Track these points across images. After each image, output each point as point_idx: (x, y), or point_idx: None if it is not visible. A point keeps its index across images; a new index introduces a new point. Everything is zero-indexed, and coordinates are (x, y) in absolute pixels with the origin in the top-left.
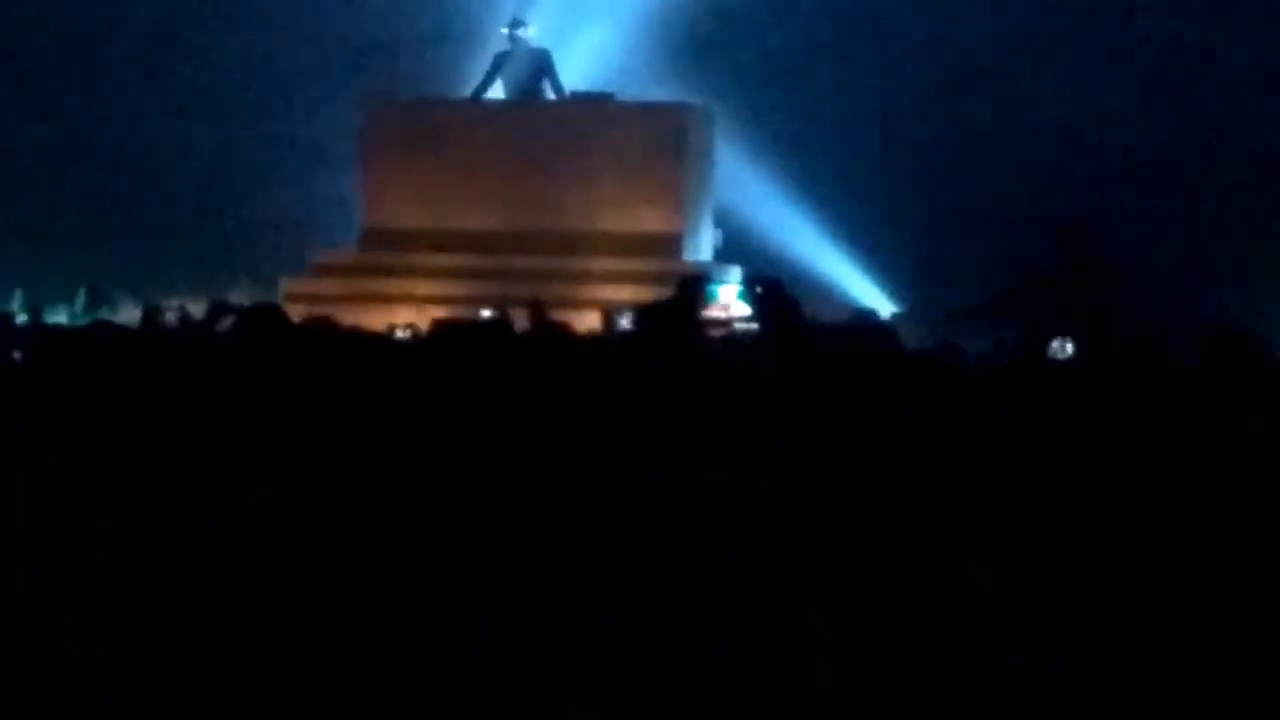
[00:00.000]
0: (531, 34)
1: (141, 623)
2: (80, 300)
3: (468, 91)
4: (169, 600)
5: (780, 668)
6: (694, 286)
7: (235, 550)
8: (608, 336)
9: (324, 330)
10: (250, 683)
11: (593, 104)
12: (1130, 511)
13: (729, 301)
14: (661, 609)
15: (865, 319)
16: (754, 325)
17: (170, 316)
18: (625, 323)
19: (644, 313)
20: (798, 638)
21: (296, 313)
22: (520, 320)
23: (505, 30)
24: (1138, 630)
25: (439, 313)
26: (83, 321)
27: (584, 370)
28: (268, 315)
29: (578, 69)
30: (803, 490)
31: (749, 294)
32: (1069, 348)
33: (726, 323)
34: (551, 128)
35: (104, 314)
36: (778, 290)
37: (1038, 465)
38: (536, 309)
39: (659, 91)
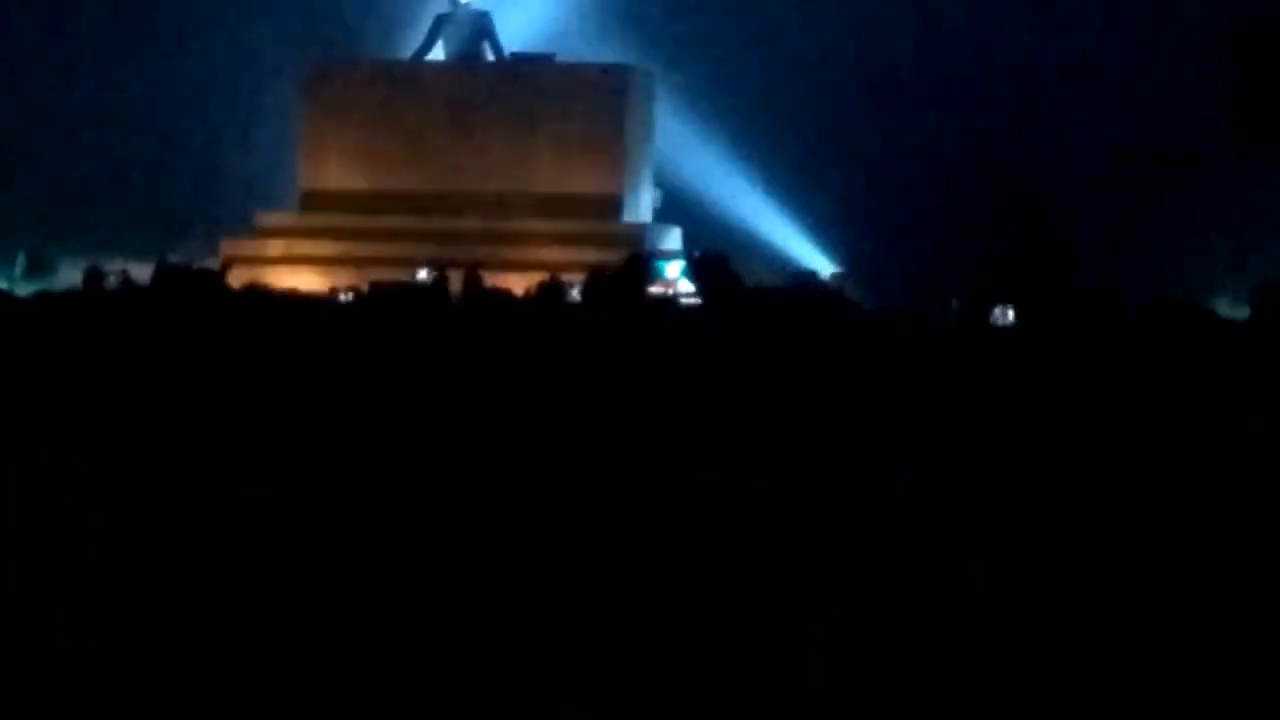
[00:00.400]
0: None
1: (111, 616)
2: (19, 264)
3: (409, 53)
4: (129, 584)
5: (758, 653)
6: (644, 262)
7: (182, 532)
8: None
9: (262, 298)
10: (239, 678)
11: (532, 65)
12: (1093, 479)
13: (674, 277)
14: (644, 599)
15: (807, 281)
16: (697, 300)
17: (112, 280)
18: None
19: (593, 285)
20: (767, 620)
21: (238, 277)
22: (457, 284)
23: None
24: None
25: (379, 275)
26: (22, 287)
27: (523, 343)
28: (204, 283)
29: (518, 30)
30: (767, 467)
31: (692, 270)
32: (1010, 314)
33: (673, 299)
34: (490, 89)
35: (44, 279)
36: (721, 266)
37: (1001, 428)
38: (471, 274)
39: (599, 53)
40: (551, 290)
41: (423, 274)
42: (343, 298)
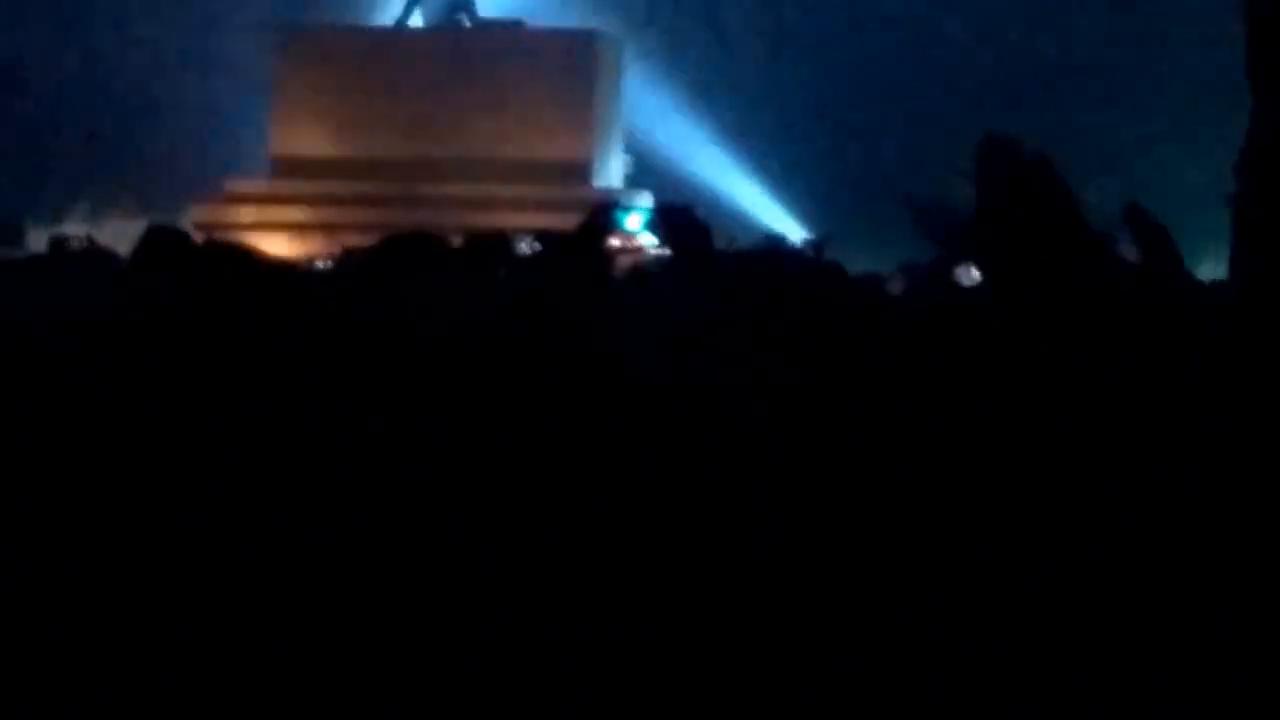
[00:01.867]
0: None
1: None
2: None
3: (381, 21)
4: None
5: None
6: (604, 213)
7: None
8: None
9: (236, 257)
10: (231, 679)
11: (502, 31)
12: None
13: (635, 229)
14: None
15: (777, 245)
16: (664, 251)
17: (74, 244)
18: (525, 247)
19: (547, 237)
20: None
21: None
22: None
23: None
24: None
25: (351, 242)
26: None
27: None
28: (171, 238)
29: None
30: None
31: (657, 221)
32: (974, 273)
33: (636, 250)
34: (461, 55)
35: (10, 248)
36: (688, 217)
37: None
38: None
39: (568, 18)
40: (485, 245)
41: (524, 246)
42: (319, 265)
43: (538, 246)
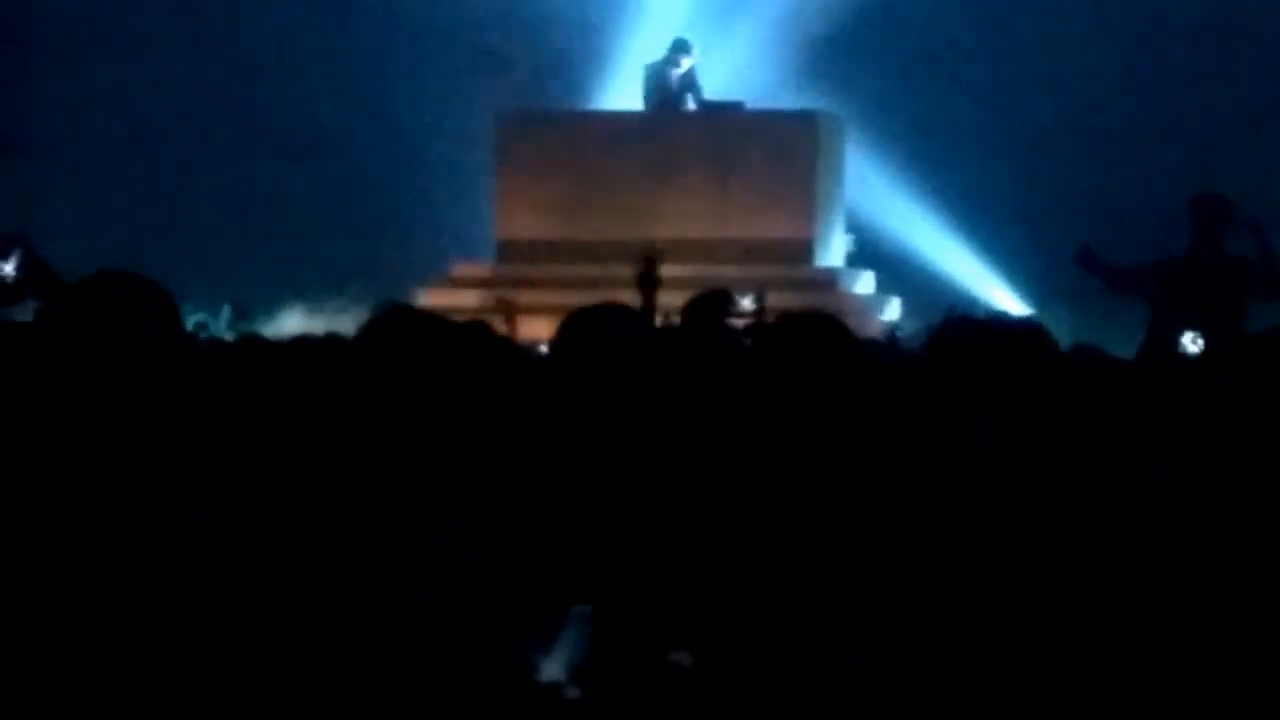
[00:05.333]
0: (692, 61)
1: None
2: (225, 315)
3: (604, 105)
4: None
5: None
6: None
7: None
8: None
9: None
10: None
11: (723, 113)
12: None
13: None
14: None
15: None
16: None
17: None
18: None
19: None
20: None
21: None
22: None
23: (674, 55)
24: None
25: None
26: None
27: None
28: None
29: (707, 77)
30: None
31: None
32: (1200, 342)
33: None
34: (682, 137)
35: (249, 328)
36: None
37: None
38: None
39: (787, 98)
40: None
41: (747, 302)
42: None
43: (762, 301)
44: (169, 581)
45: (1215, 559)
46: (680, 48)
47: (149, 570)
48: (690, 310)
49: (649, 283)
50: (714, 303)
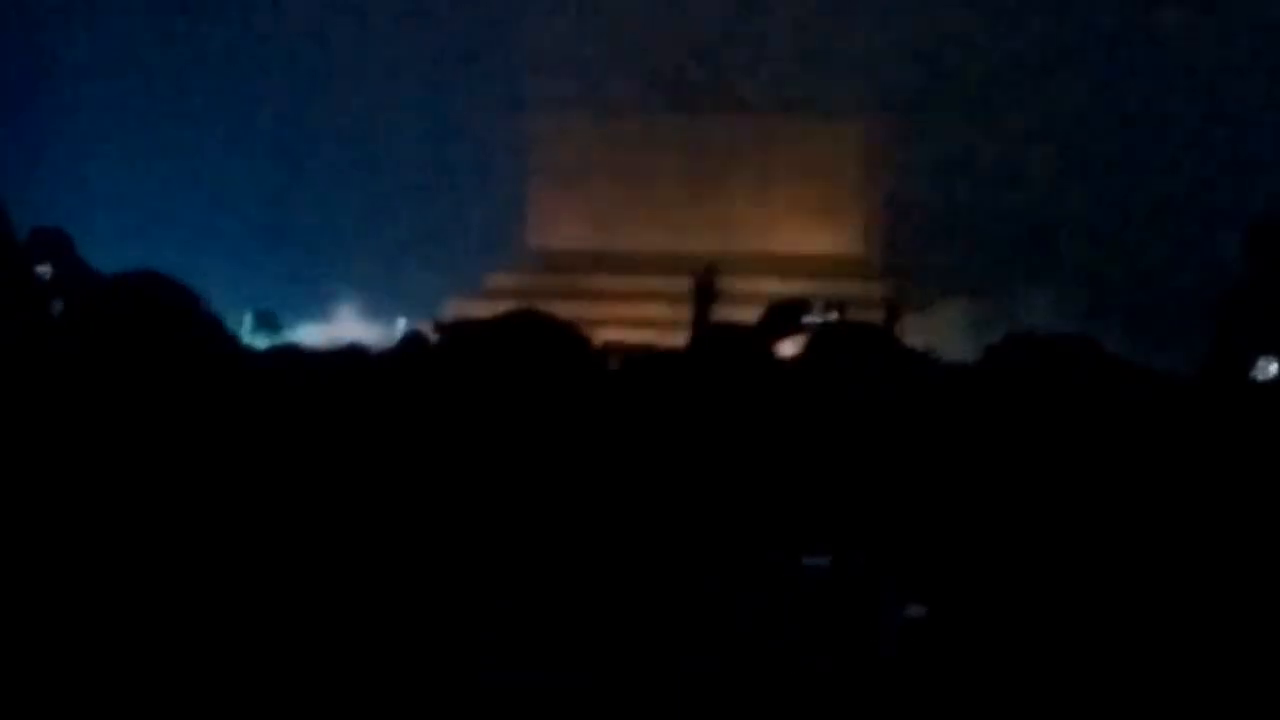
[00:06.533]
0: None
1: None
2: (247, 323)
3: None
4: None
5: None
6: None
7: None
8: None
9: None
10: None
11: (765, 123)
12: None
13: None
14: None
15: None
16: None
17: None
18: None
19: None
20: None
21: None
22: None
23: None
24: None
25: (608, 336)
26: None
27: None
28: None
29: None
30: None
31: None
32: (1274, 368)
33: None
34: (725, 148)
35: (273, 337)
36: None
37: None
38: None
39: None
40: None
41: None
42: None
43: (834, 315)
44: (199, 578)
45: None
46: None
47: (169, 568)
48: (769, 316)
49: (706, 297)
50: (792, 311)
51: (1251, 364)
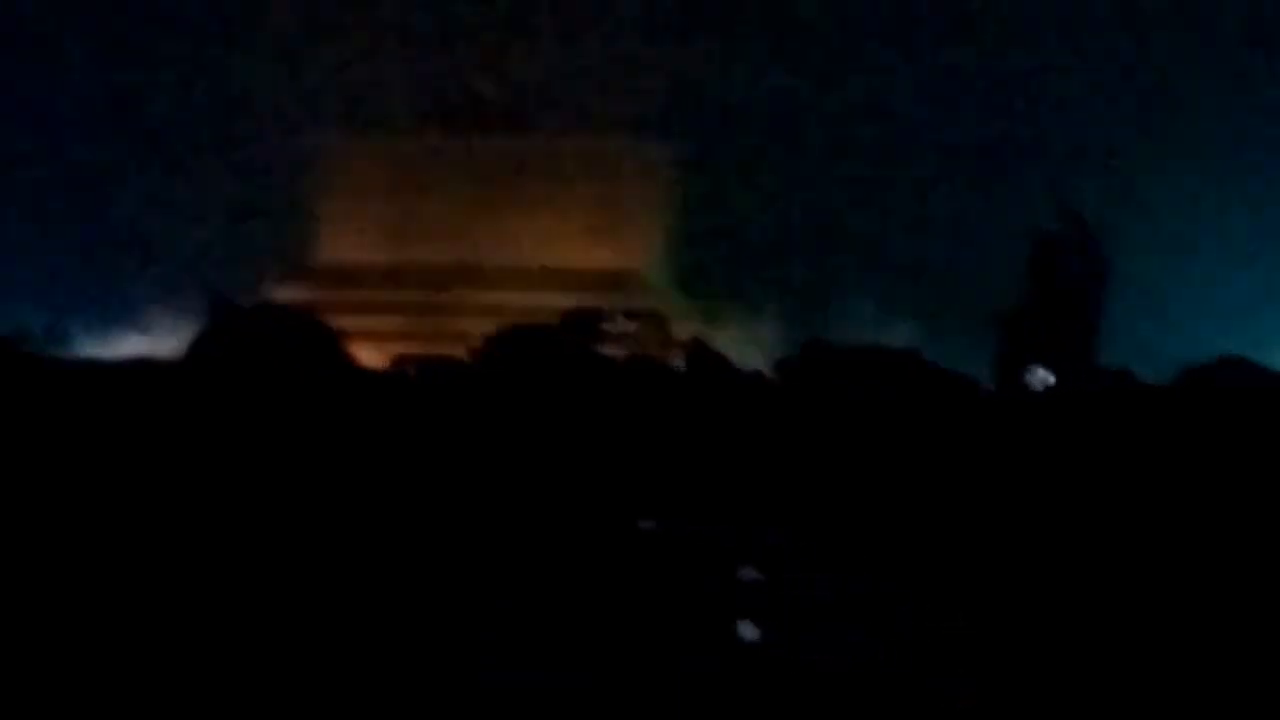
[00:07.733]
0: None
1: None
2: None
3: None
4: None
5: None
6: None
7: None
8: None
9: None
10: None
11: (551, 141)
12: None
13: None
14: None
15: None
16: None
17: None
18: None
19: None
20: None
21: None
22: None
23: None
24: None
25: (396, 350)
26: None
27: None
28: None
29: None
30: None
31: None
32: (1044, 376)
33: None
34: (513, 164)
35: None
36: None
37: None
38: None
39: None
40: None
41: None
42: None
43: (631, 326)
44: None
45: None
46: None
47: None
48: (566, 324)
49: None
50: (589, 321)
51: (1027, 373)
